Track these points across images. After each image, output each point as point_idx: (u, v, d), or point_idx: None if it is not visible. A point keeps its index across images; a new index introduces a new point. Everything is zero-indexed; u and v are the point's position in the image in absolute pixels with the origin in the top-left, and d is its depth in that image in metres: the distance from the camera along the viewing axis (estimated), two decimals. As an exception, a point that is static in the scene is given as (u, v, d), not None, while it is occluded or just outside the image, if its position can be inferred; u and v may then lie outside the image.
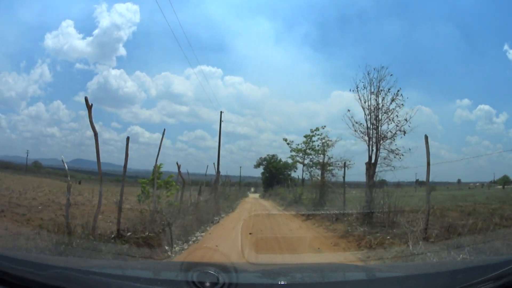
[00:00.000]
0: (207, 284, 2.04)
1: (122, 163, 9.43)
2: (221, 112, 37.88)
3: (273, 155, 69.47)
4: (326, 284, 2.55)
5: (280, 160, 66.50)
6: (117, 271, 2.77)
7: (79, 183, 41.25)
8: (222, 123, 37.58)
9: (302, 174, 29.97)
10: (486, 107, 78.78)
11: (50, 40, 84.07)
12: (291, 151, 30.84)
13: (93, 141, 8.60)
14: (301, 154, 29.79)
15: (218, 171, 31.91)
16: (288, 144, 31.05)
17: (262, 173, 69.92)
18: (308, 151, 28.83)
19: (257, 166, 69.45)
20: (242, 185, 76.65)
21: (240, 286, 2.15)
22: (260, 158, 71.32)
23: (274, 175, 64.28)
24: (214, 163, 32.21)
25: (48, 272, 2.23)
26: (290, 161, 32.96)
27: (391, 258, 7.61)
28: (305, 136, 29.06)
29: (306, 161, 29.27)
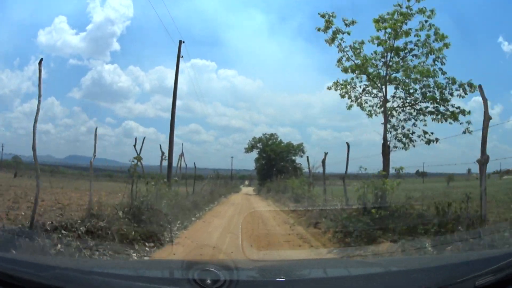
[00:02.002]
0: (208, 281, 2.04)
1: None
2: (180, 42, 22.67)
3: (271, 135, 52.97)
4: (327, 279, 2.56)
5: (281, 142, 51.70)
6: (118, 270, 2.77)
7: (14, 176, 35.59)
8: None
9: (385, 134, 11.38)
10: (481, 98, 78.74)
11: (43, 37, 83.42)
12: (341, 61, 11.93)
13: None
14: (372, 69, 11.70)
15: (171, 138, 20.88)
16: (334, 36, 11.57)
17: (257, 160, 53.15)
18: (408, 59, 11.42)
19: (249, 149, 52.69)
20: (235, 178, 68.47)
21: (241, 283, 2.16)
22: (253, 138, 53.87)
23: (273, 161, 49.26)
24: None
25: (49, 273, 2.22)
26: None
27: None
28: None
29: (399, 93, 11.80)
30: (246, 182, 74.21)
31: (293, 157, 51.23)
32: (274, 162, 49.24)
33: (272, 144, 51.79)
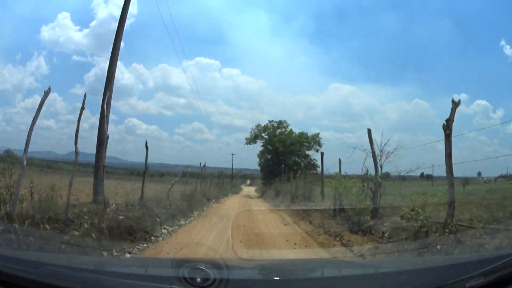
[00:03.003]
0: (198, 280, 2.04)
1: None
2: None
3: (280, 122, 42.08)
4: (317, 279, 2.56)
5: (292, 132, 41.24)
6: (109, 268, 2.78)
7: None
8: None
9: None
10: (483, 102, 78.61)
11: (46, 33, 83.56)
12: None
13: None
14: None
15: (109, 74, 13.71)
16: None
17: (261, 154, 42.51)
18: None
19: (252, 140, 42.28)
20: (236, 177, 65.70)
21: (231, 282, 2.16)
22: (257, 126, 42.73)
23: (281, 156, 39.24)
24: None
25: (40, 270, 2.21)
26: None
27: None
28: None
29: None
30: (248, 182, 73.17)
31: (307, 151, 40.76)
32: (283, 157, 39.05)
33: (281, 135, 40.75)
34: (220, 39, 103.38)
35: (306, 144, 40.48)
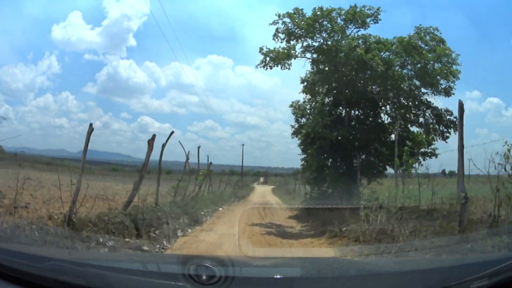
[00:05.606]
0: (204, 277, 2.04)
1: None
2: None
3: (355, 12, 14.15)
4: (321, 278, 2.54)
5: (382, 41, 14.36)
6: (114, 263, 2.78)
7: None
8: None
9: None
10: (496, 99, 77.08)
11: (57, 32, 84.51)
12: None
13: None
14: None
15: None
16: None
17: (307, 97, 16.94)
18: None
19: (283, 56, 14.22)
20: (248, 175, 60.32)
21: (237, 279, 2.16)
22: (293, 14, 14.39)
23: (368, 106, 15.26)
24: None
25: (44, 264, 2.22)
26: None
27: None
28: None
29: None
30: (261, 179, 70.91)
31: (423, 90, 15.07)
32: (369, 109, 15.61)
33: (361, 38, 14.55)
34: (233, 37, 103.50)
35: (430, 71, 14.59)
